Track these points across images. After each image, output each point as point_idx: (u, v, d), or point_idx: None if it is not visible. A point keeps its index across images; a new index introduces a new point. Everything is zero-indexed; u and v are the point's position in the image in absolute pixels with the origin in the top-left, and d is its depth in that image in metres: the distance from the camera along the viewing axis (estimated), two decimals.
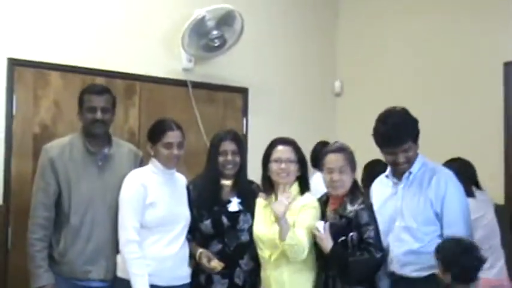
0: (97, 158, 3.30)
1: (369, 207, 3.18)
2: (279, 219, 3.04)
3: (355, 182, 3.31)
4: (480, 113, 4.70)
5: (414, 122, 3.17)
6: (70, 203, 3.22)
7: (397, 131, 3.11)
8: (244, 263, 3.34)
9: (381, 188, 3.35)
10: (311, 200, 3.28)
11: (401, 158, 3.13)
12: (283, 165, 3.25)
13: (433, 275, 3.01)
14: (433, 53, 5.09)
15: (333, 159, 3.24)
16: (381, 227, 3.17)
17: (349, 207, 3.16)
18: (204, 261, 3.23)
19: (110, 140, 3.40)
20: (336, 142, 3.48)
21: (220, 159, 3.37)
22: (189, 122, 4.75)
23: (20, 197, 4.07)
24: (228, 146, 3.38)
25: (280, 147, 3.31)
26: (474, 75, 4.78)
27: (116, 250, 3.24)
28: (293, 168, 3.28)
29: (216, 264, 3.21)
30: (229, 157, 3.37)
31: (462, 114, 4.74)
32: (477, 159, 4.20)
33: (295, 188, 3.29)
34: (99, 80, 4.39)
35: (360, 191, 3.32)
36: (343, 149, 3.29)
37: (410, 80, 5.17)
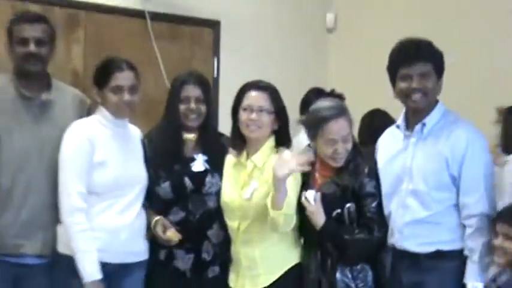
0: (33, 105, 3.20)
1: (373, 174, 3.16)
2: (277, 186, 2.93)
3: (353, 143, 3.24)
4: (490, 61, 4.73)
5: (439, 52, 3.12)
6: None
7: (417, 45, 3.08)
8: (213, 233, 3.29)
9: (390, 142, 3.29)
10: None
11: (415, 83, 3.04)
12: (253, 115, 3.15)
13: (438, 252, 3.04)
14: None
15: (334, 129, 3.12)
16: (384, 189, 3.15)
17: (348, 176, 3.14)
18: (158, 230, 3.17)
19: (50, 82, 3.29)
20: (333, 93, 3.38)
21: (182, 107, 3.28)
22: (147, 63, 4.73)
23: None
24: (192, 91, 3.29)
25: (252, 93, 3.20)
26: (482, 23, 4.82)
27: (56, 219, 3.15)
28: (266, 119, 3.17)
29: (172, 234, 3.14)
30: (193, 105, 3.28)
31: (473, 56, 4.76)
32: (488, 110, 4.23)
33: (269, 143, 3.22)
34: (33, 8, 4.29)
35: (360, 153, 3.25)
36: (343, 112, 3.17)
37: (416, 13, 5.16)
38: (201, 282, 3.27)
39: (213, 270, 3.29)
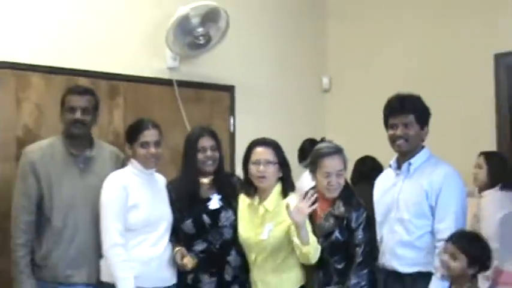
0: (78, 160, 3.32)
1: (361, 208, 3.22)
2: (299, 228, 3.03)
3: (346, 183, 3.34)
4: (472, 104, 4.70)
5: (423, 105, 3.21)
6: (52, 206, 3.23)
7: (401, 100, 3.19)
8: (232, 259, 3.37)
9: (384, 179, 3.39)
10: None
11: (399, 131, 3.15)
12: (261, 168, 3.27)
13: (419, 273, 3.09)
14: (423, 48, 5.10)
15: (330, 164, 3.23)
16: (378, 218, 3.28)
17: (342, 208, 3.21)
18: (177, 257, 3.25)
19: (92, 142, 3.42)
20: (324, 140, 3.41)
21: (200, 156, 3.37)
22: (175, 122, 4.79)
23: (4, 200, 3.94)
24: (207, 142, 3.39)
25: (259, 149, 3.32)
26: (465, 67, 4.79)
27: (99, 254, 3.25)
28: (272, 170, 3.28)
29: (187, 261, 3.21)
30: (209, 153, 3.38)
31: (454, 106, 4.72)
32: (469, 151, 4.24)
33: (277, 189, 3.32)
34: (82, 81, 4.35)
35: (351, 190, 3.35)
36: (338, 151, 3.29)
37: (400, 75, 5.16)
38: None
39: None
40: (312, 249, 3.09)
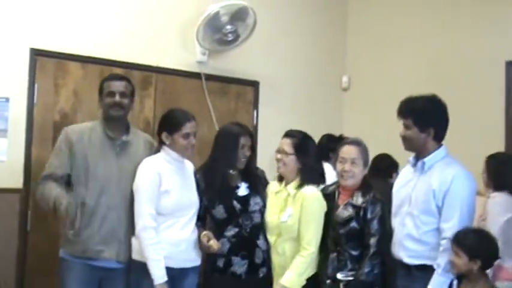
0: (115, 144, 3.30)
1: (378, 201, 3.22)
2: None
3: (366, 178, 3.33)
4: (482, 110, 4.67)
5: (424, 108, 3.12)
6: (87, 185, 3.21)
7: (402, 103, 3.15)
8: (261, 242, 3.37)
9: (404, 174, 3.33)
10: (314, 191, 3.30)
11: (401, 132, 3.14)
12: (278, 156, 3.36)
13: (424, 265, 3.04)
14: (438, 52, 5.07)
15: (346, 150, 3.28)
16: (393, 209, 3.25)
17: (360, 199, 3.23)
18: (204, 240, 3.25)
19: (129, 127, 3.41)
20: (342, 137, 3.37)
21: (240, 153, 3.36)
22: (202, 113, 4.78)
23: None
24: (247, 140, 3.39)
25: (282, 140, 3.39)
26: (477, 73, 4.76)
27: (128, 232, 3.25)
28: (287, 159, 3.32)
29: (213, 243, 3.22)
30: (247, 151, 3.38)
31: (465, 111, 4.60)
32: (478, 157, 4.10)
33: (298, 179, 3.34)
34: (117, 71, 4.36)
35: (370, 184, 3.33)
36: (358, 143, 3.32)
37: (415, 77, 5.14)
38: (254, 281, 3.35)
39: (263, 271, 3.37)
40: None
